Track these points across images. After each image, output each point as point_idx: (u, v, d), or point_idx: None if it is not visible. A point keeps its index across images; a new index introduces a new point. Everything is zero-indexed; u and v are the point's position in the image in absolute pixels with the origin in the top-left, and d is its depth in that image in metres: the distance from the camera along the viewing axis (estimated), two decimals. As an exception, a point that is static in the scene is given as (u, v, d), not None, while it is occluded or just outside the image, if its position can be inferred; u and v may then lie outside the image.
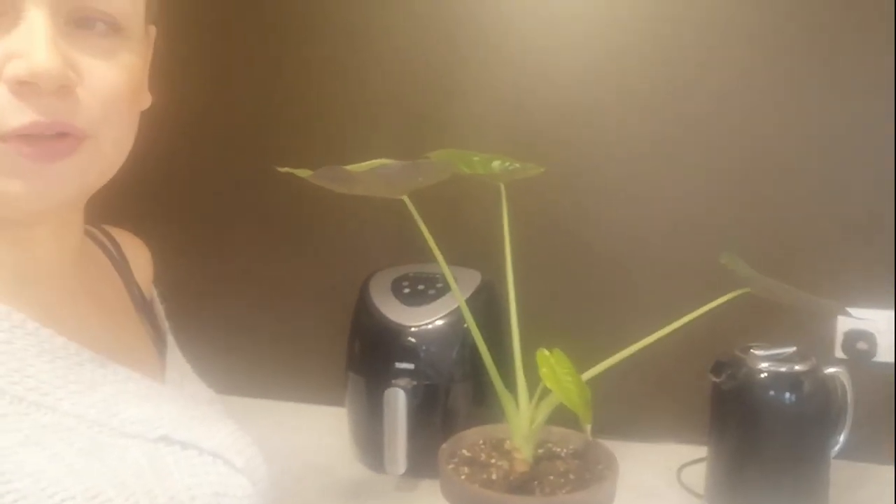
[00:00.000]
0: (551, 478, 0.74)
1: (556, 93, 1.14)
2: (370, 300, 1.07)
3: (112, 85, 0.48)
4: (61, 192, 0.47)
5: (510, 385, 0.77)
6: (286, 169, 0.64)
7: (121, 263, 0.63)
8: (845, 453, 0.96)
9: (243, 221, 1.27)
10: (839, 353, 1.09)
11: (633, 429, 1.10)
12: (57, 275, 0.53)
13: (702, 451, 1.05)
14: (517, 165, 0.76)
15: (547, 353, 0.69)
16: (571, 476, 0.74)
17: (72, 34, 0.46)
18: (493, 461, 0.78)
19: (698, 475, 1.02)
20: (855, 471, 1.00)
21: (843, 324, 1.09)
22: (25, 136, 0.44)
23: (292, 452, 1.09)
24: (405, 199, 0.69)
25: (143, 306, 0.64)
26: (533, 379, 0.76)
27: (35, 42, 0.43)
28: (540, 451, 0.78)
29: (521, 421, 0.74)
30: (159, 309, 0.67)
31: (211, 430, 0.55)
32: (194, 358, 0.67)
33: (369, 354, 1.05)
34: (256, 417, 0.67)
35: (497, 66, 1.15)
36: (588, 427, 0.64)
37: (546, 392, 0.73)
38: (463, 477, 0.74)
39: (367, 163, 0.65)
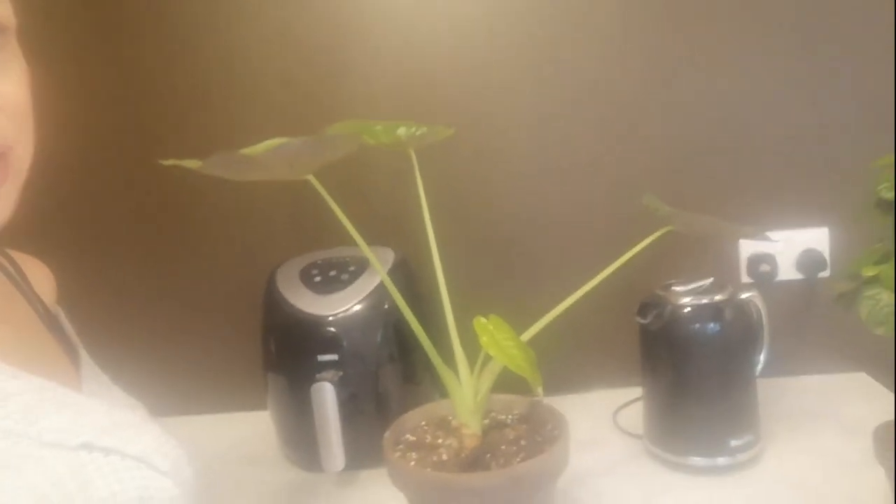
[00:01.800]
0: (503, 447, 0.72)
1: (448, 54, 1.10)
2: (279, 294, 1.00)
3: (17, 98, 0.50)
4: (6, 213, 0.50)
5: (446, 360, 0.73)
6: (171, 161, 0.57)
7: (19, 281, 0.63)
8: (762, 371, 1.01)
9: (131, 226, 1.16)
10: (745, 278, 1.13)
11: (565, 383, 1.10)
12: None
13: (633, 392, 1.08)
14: (424, 129, 0.71)
15: (484, 319, 0.66)
16: (522, 442, 0.72)
17: None
18: (440, 441, 0.74)
19: (633, 417, 1.03)
20: (773, 386, 1.05)
21: (745, 249, 1.13)
22: None
23: (220, 466, 1.02)
24: (311, 178, 0.63)
25: (50, 321, 0.63)
26: (469, 350, 0.73)
27: None
28: (485, 421, 0.75)
29: (465, 394, 0.71)
30: (67, 325, 0.66)
31: (134, 435, 0.55)
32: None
33: (287, 351, 0.98)
34: (176, 436, 0.62)
35: (384, 32, 1.09)
36: (539, 389, 0.61)
37: (486, 361, 0.71)
38: (412, 463, 0.70)
39: (264, 143, 0.59)
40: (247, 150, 0.57)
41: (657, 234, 0.71)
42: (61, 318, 0.67)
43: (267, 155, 0.56)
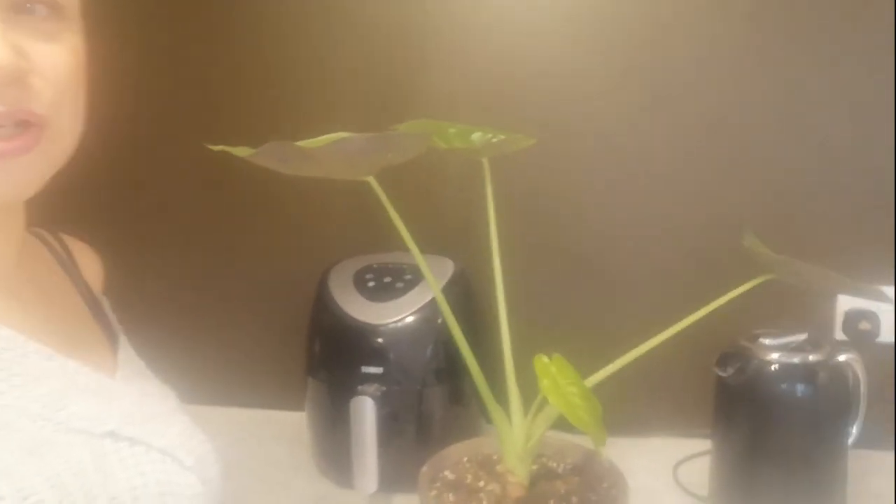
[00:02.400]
0: (551, 502, 0.64)
1: (539, 57, 1.01)
2: (330, 296, 0.95)
3: (63, 68, 0.48)
4: (28, 186, 0.48)
5: (498, 394, 0.66)
6: (220, 147, 0.51)
7: (68, 263, 0.62)
8: (853, 443, 0.89)
9: (180, 213, 1.13)
10: (839, 335, 1.02)
11: (623, 424, 1.01)
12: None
13: (698, 445, 0.98)
14: (502, 137, 0.64)
15: (546, 359, 0.58)
16: (574, 499, 0.64)
17: (13, 20, 0.45)
18: (481, 484, 0.67)
19: (695, 473, 0.94)
20: (866, 460, 0.93)
21: (844, 303, 1.01)
22: None
23: (250, 465, 0.98)
24: (371, 180, 0.57)
25: (94, 305, 0.62)
26: (523, 386, 0.66)
27: None
28: (534, 467, 0.67)
29: (515, 439, 0.63)
30: (111, 313, 0.65)
31: (161, 427, 0.54)
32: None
33: (332, 357, 0.93)
34: (208, 426, 0.61)
35: (470, 29, 1.03)
36: (603, 450, 0.53)
37: (543, 404, 0.63)
38: (448, 506, 0.63)
39: (324, 137, 0.53)
40: (303, 143, 0.51)
41: (755, 281, 0.62)
42: (105, 307, 0.66)
43: (325, 149, 0.50)
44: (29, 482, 0.42)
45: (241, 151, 0.52)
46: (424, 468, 0.67)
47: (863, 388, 0.85)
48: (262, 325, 1.13)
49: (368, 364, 0.89)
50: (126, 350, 0.62)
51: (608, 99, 1.02)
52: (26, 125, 0.46)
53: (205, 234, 1.13)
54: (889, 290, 0.98)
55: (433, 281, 0.68)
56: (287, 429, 1.07)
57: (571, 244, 1.05)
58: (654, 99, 1.01)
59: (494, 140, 0.65)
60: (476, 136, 0.65)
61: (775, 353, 0.80)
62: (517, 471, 0.63)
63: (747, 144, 1.01)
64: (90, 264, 0.67)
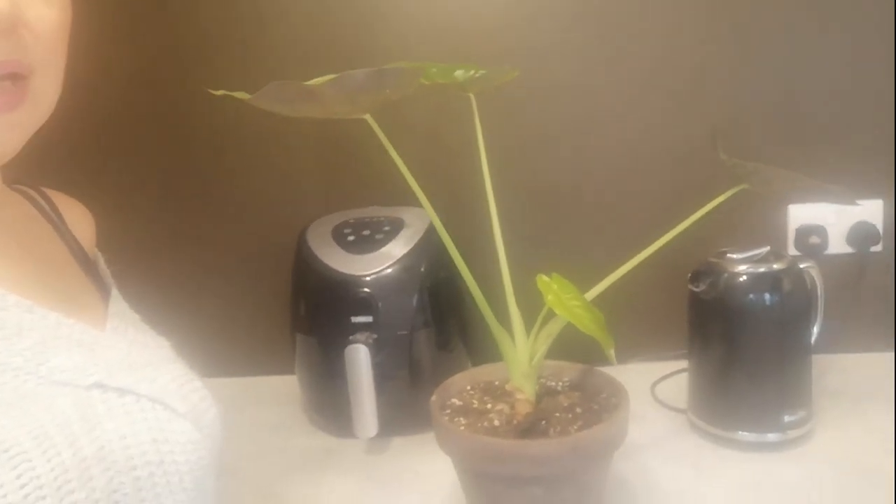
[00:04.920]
0: (557, 415, 0.68)
1: None
2: (311, 252, 0.96)
3: (52, 23, 0.48)
4: (10, 146, 0.47)
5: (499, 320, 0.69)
6: (222, 91, 0.52)
7: (54, 218, 0.61)
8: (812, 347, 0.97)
9: (155, 174, 1.11)
10: (792, 250, 1.09)
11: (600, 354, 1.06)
12: None
13: (670, 366, 1.04)
14: (484, 71, 0.66)
15: (546, 278, 0.62)
16: (578, 409, 0.68)
17: None
18: (489, 406, 0.70)
19: (672, 391, 0.99)
20: (818, 362, 1.01)
21: (795, 220, 1.08)
22: None
23: (245, 431, 0.98)
24: (369, 118, 0.59)
25: (84, 259, 0.61)
26: (523, 310, 0.69)
27: None
28: (536, 387, 0.71)
29: (520, 357, 0.67)
30: (103, 267, 0.64)
31: (152, 374, 0.53)
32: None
33: (319, 312, 0.94)
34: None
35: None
36: (612, 351, 0.57)
37: (544, 323, 0.66)
38: (462, 428, 0.66)
39: (323, 77, 0.54)
40: (306, 82, 0.52)
41: (730, 192, 0.67)
42: (99, 262, 0.65)
43: (327, 86, 0.52)
44: (10, 434, 0.42)
45: (241, 95, 0.53)
46: (433, 397, 0.70)
47: (820, 293, 0.92)
48: (241, 292, 1.13)
49: (358, 314, 0.91)
50: (117, 303, 0.61)
51: (578, 31, 1.04)
52: (14, 79, 0.45)
53: (179, 195, 1.12)
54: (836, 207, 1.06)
55: (434, 215, 0.69)
56: (273, 392, 1.08)
57: (549, 176, 1.08)
58: (627, 25, 1.04)
59: (477, 75, 0.67)
60: (458, 72, 0.67)
61: (742, 265, 0.85)
62: (524, 388, 0.67)
63: (715, 65, 1.05)
64: (79, 218, 0.65)
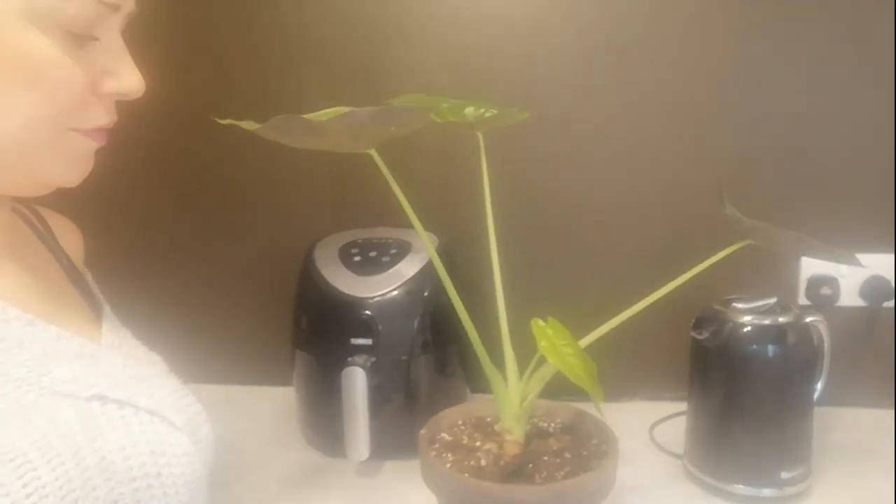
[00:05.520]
0: (545, 458, 0.67)
1: (519, 35, 1.03)
2: (316, 270, 0.96)
3: None
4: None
5: (491, 359, 0.68)
6: (228, 120, 0.52)
7: (46, 236, 0.62)
8: (816, 400, 0.95)
9: (164, 188, 1.12)
10: (803, 300, 1.07)
11: (604, 392, 1.05)
12: None
13: (672, 407, 1.03)
14: (495, 111, 0.66)
15: (542, 323, 0.61)
16: (567, 455, 0.68)
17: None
18: (478, 444, 0.70)
19: (671, 434, 0.98)
20: (828, 416, 0.99)
21: (807, 270, 1.07)
22: (98, 129, 0.52)
23: (240, 439, 0.99)
24: (373, 153, 0.59)
25: (76, 276, 0.62)
26: (517, 351, 0.69)
27: (127, 64, 0.51)
28: (527, 427, 0.70)
29: (512, 398, 0.66)
30: (93, 285, 0.66)
31: (149, 388, 0.54)
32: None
33: (320, 330, 0.94)
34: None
35: (449, 6, 1.04)
36: (601, 405, 0.56)
37: (537, 365, 0.66)
38: (448, 465, 0.66)
39: (329, 110, 0.54)
40: (311, 116, 0.53)
41: (733, 247, 0.66)
42: (88, 279, 0.66)
43: (331, 123, 0.52)
44: (15, 444, 0.42)
45: (248, 125, 0.53)
46: (423, 430, 0.70)
47: (827, 348, 0.90)
48: (245, 301, 1.14)
49: (358, 336, 0.91)
50: (111, 320, 0.62)
51: (588, 74, 1.04)
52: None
53: (187, 213, 1.13)
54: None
55: (430, 245, 0.69)
56: (273, 404, 1.08)
57: (555, 215, 1.08)
58: (638, 69, 1.04)
59: (487, 114, 0.67)
60: (469, 110, 0.67)
61: (748, 315, 0.84)
62: (514, 430, 0.66)
63: (728, 117, 1.04)
64: (69, 236, 0.67)
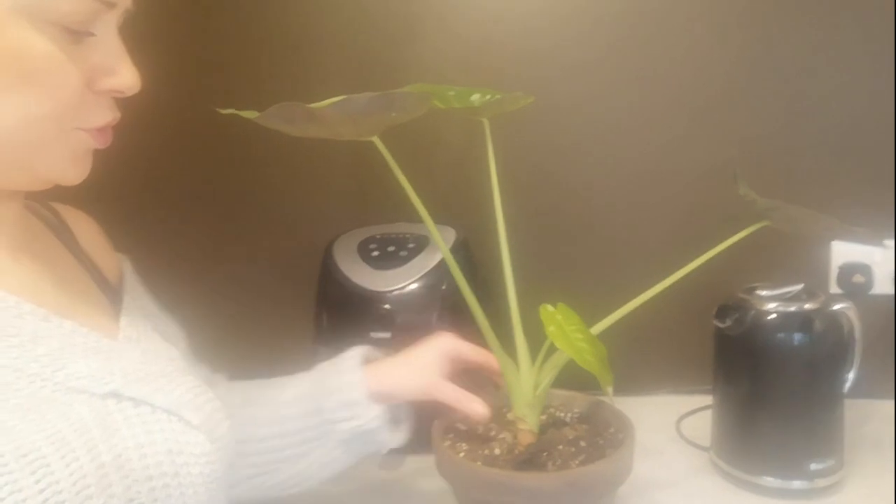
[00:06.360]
0: (560, 447, 0.66)
1: (527, 24, 1.03)
2: (335, 266, 0.96)
3: None
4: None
5: (505, 349, 0.68)
6: (229, 110, 0.53)
7: (61, 231, 0.62)
8: (849, 391, 0.92)
9: (185, 182, 1.13)
10: (834, 288, 1.04)
11: (626, 383, 1.03)
12: None
13: (699, 400, 1.00)
14: (499, 96, 0.66)
15: (551, 308, 0.61)
16: (582, 443, 0.67)
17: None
18: (492, 433, 0.69)
19: (698, 427, 0.96)
20: (863, 408, 0.96)
21: (838, 258, 1.04)
22: (101, 129, 0.52)
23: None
24: (376, 140, 0.59)
25: (93, 270, 0.62)
26: (531, 340, 0.68)
27: (123, 60, 0.51)
28: (542, 417, 0.70)
29: (524, 386, 0.65)
30: (129, 269, 0.67)
31: (167, 385, 0.53)
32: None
33: (340, 325, 0.95)
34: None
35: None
36: (610, 389, 0.55)
37: (549, 353, 0.65)
38: (462, 454, 0.65)
39: (329, 100, 0.54)
40: (310, 105, 0.53)
41: (751, 228, 0.64)
42: (126, 266, 0.67)
43: (331, 109, 0.52)
44: (29, 439, 0.42)
45: (249, 114, 0.54)
46: (437, 421, 0.69)
47: (857, 336, 0.87)
48: (265, 299, 1.14)
49: (377, 330, 0.91)
50: (130, 312, 0.61)
51: (598, 57, 1.03)
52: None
53: (209, 202, 1.14)
54: (889, 242, 1.01)
55: (441, 241, 0.69)
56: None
57: (572, 202, 1.07)
58: (647, 52, 1.02)
59: (493, 100, 0.66)
60: (475, 97, 0.67)
61: (772, 303, 0.82)
62: (528, 418, 0.66)
63: (739, 96, 1.02)
64: (86, 229, 0.66)
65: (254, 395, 0.73)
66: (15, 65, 0.46)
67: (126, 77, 0.51)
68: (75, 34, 0.48)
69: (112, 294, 0.62)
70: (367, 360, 0.72)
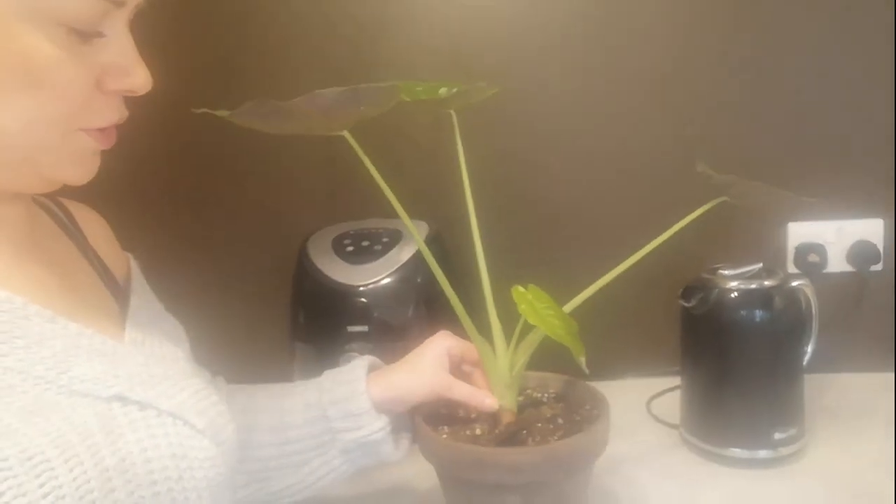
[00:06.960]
0: (539, 425, 0.69)
1: (491, 14, 1.05)
2: (311, 262, 0.98)
3: None
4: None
5: (482, 334, 0.70)
6: (203, 109, 0.54)
7: (71, 229, 0.61)
8: (807, 366, 0.96)
9: (159, 189, 1.14)
10: (791, 268, 1.09)
11: (597, 369, 1.06)
12: (2, 232, 0.52)
13: (667, 382, 1.04)
14: (465, 88, 0.68)
15: (522, 289, 0.63)
16: (560, 420, 0.69)
17: None
18: (473, 416, 0.72)
19: (667, 407, 1.00)
20: (818, 381, 1.00)
21: (794, 238, 1.08)
22: (103, 129, 0.51)
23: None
24: (347, 134, 0.61)
25: (102, 269, 0.62)
26: (505, 324, 0.70)
27: (134, 60, 0.50)
28: (520, 398, 0.72)
29: (501, 368, 0.68)
30: (135, 267, 0.67)
31: (171, 389, 0.53)
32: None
33: (317, 321, 0.96)
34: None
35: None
36: (583, 359, 0.58)
37: (523, 335, 0.68)
38: (444, 437, 0.67)
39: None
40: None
41: (709, 204, 0.68)
42: (132, 264, 0.67)
43: (300, 103, 0.54)
44: (33, 442, 0.42)
45: (221, 113, 0.55)
46: (417, 406, 0.71)
47: (815, 312, 0.92)
48: (241, 298, 1.15)
49: (354, 324, 0.93)
50: (137, 314, 0.61)
51: (559, 43, 1.06)
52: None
53: (180, 211, 1.14)
54: (837, 224, 1.05)
55: (416, 232, 0.71)
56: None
57: (536, 187, 1.09)
58: (611, 39, 1.05)
59: (459, 92, 0.69)
60: (443, 90, 0.69)
61: (734, 281, 0.85)
62: (506, 399, 0.68)
63: (701, 75, 1.06)
64: (95, 226, 0.65)
65: (255, 400, 0.72)
66: (21, 68, 0.45)
67: (138, 77, 0.50)
68: (84, 35, 0.47)
69: (119, 294, 0.61)
70: (372, 369, 0.72)
